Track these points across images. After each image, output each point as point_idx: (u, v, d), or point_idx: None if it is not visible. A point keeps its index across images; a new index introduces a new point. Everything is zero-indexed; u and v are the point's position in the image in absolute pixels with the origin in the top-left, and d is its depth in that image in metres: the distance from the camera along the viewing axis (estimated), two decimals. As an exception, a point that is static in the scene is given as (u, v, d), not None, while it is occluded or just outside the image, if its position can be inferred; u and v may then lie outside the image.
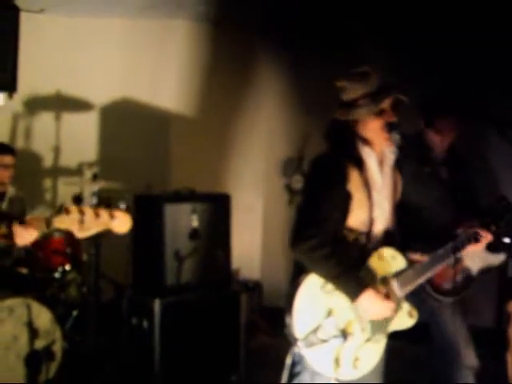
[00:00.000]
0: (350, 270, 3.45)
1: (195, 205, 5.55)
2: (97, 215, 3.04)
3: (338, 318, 3.45)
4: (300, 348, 3.41)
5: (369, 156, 3.56)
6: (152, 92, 7.20)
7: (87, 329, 5.62)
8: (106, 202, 3.08)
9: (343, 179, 3.47)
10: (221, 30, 7.36)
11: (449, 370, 4.39)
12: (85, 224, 3.03)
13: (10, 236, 3.11)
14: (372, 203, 3.55)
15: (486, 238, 3.78)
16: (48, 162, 6.80)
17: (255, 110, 7.66)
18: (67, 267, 5.72)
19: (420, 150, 4.43)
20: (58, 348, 5.02)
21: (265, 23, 7.33)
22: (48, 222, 3.06)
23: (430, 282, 4.35)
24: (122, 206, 3.12)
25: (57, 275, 5.68)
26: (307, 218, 3.48)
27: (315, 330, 3.40)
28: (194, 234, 5.51)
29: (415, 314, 3.68)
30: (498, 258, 4.49)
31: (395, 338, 3.70)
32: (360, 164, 3.53)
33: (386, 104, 3.53)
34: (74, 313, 5.71)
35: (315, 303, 3.45)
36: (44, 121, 6.72)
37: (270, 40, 7.53)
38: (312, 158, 3.65)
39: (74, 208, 3.03)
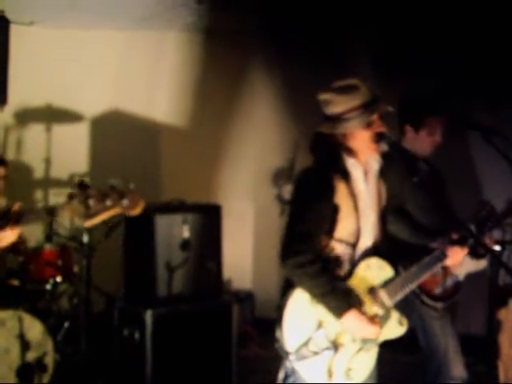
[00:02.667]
0: (337, 288, 3.45)
1: (186, 215, 5.55)
2: (104, 195, 2.82)
3: (329, 329, 3.45)
4: (292, 361, 3.42)
5: (354, 167, 3.56)
6: (143, 103, 7.21)
7: (79, 340, 5.62)
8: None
9: (330, 192, 3.47)
10: (212, 41, 7.38)
11: (436, 380, 4.39)
12: (92, 209, 2.83)
13: None
14: (359, 214, 3.56)
15: (456, 254, 3.80)
16: (39, 173, 6.81)
17: (246, 120, 7.67)
18: (58, 279, 5.70)
19: (408, 159, 4.39)
20: (49, 360, 5.00)
21: (256, 33, 7.35)
22: (52, 211, 2.88)
23: (421, 287, 4.37)
24: (131, 185, 2.93)
25: (48, 287, 5.66)
26: (296, 233, 3.47)
27: (306, 343, 3.41)
28: (185, 245, 5.51)
29: (405, 322, 3.68)
30: (481, 264, 4.51)
31: (386, 346, 3.72)
32: (346, 176, 3.53)
33: (374, 115, 3.54)
34: (66, 324, 5.71)
35: (305, 316, 3.45)
36: (35, 132, 6.73)
37: (262, 50, 7.55)
38: (298, 172, 3.65)
39: (77, 192, 2.83)
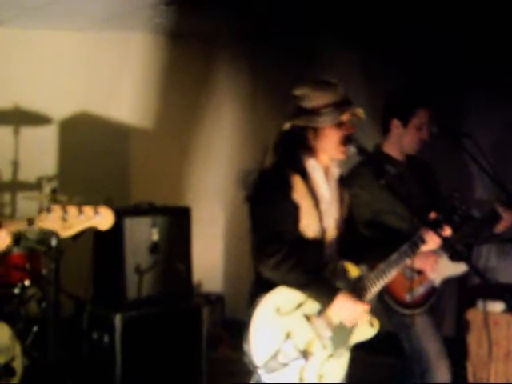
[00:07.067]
0: (319, 276, 3.47)
1: (155, 218, 5.54)
2: (80, 212, 3.01)
3: (297, 339, 3.41)
4: (261, 375, 3.38)
5: (314, 168, 3.58)
6: (111, 105, 7.17)
7: (47, 344, 5.58)
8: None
9: (288, 189, 3.48)
10: (178, 42, 7.36)
11: None
12: (68, 221, 3.00)
13: None
14: (321, 213, 3.57)
15: (434, 238, 3.65)
16: (7, 176, 6.75)
17: (215, 122, 7.66)
18: (27, 282, 5.65)
19: (376, 162, 4.31)
20: (18, 364, 4.97)
21: (224, 35, 7.34)
22: (30, 221, 3.01)
23: (390, 295, 4.33)
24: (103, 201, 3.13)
25: (16, 291, 5.61)
26: (263, 235, 3.49)
27: (275, 355, 3.36)
28: (154, 248, 5.50)
29: (376, 323, 3.66)
30: (460, 268, 4.43)
31: (365, 348, 3.73)
32: (305, 175, 3.55)
33: (345, 116, 3.55)
34: (34, 328, 5.65)
35: (272, 328, 3.40)
36: (2, 135, 6.67)
37: (229, 50, 7.54)
38: (257, 173, 3.65)
39: (56, 206, 3.00)
